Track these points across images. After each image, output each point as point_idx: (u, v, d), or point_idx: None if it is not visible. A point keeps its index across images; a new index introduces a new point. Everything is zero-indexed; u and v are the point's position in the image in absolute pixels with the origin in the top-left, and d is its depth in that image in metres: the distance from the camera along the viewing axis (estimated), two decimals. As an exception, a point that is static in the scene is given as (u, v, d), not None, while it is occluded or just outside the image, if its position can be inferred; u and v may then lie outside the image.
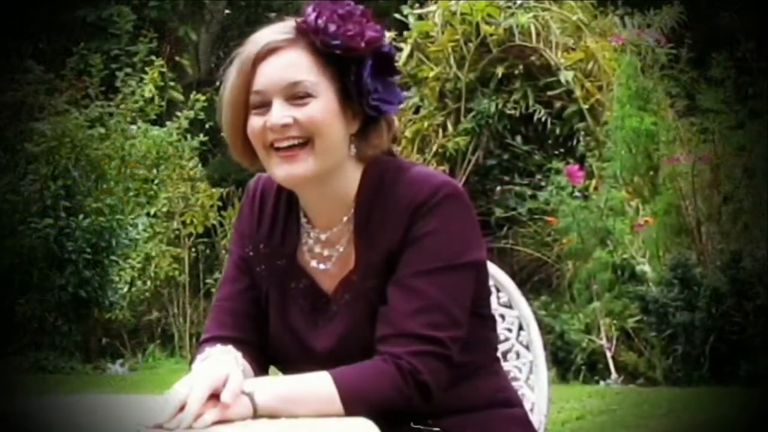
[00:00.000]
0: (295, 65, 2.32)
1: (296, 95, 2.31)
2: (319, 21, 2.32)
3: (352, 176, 2.39)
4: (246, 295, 2.45)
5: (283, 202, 2.47)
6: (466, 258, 2.32)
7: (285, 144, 2.31)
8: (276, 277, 2.40)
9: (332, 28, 2.32)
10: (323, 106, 2.32)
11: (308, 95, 2.31)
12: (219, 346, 2.26)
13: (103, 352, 9.44)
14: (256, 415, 2.11)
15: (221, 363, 2.19)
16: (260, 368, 2.39)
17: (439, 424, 2.32)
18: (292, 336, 2.38)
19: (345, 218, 2.38)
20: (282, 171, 2.32)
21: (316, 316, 2.37)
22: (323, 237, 2.40)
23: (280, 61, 2.32)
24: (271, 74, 2.32)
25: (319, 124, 2.31)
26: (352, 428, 2.09)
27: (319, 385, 2.21)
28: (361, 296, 2.33)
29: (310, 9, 2.35)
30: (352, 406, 2.19)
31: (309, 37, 2.33)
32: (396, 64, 2.41)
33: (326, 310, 2.37)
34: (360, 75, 2.34)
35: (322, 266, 2.39)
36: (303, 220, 2.42)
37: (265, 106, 2.32)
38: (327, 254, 2.40)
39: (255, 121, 2.33)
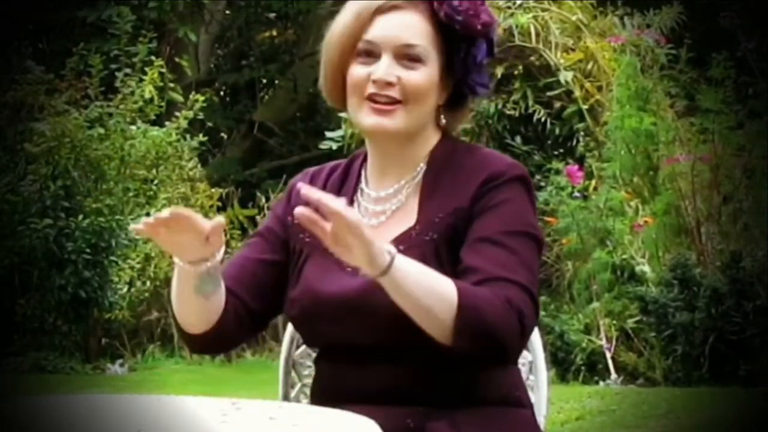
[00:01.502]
0: (413, 28, 2.36)
1: (407, 56, 2.36)
2: None
3: (427, 143, 2.44)
4: (260, 262, 2.49)
5: (334, 179, 2.51)
6: (537, 232, 2.37)
7: (382, 100, 2.36)
8: (318, 242, 2.37)
9: (456, 2, 2.35)
10: (428, 74, 2.37)
11: (418, 60, 2.36)
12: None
13: (102, 353, 9.43)
14: (389, 267, 2.15)
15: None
16: (241, 326, 2.44)
17: (451, 414, 2.32)
18: (329, 291, 2.38)
19: (404, 179, 2.43)
20: (371, 120, 2.37)
21: (355, 270, 2.35)
22: (382, 194, 2.44)
23: (400, 19, 2.36)
24: (388, 29, 2.36)
25: (420, 90, 2.37)
26: (353, 428, 2.09)
27: (445, 282, 2.22)
28: (415, 246, 2.35)
29: None
30: (465, 311, 2.21)
31: (431, 4, 2.36)
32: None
33: None
34: (469, 54, 2.39)
35: (374, 221, 2.41)
36: (362, 185, 2.47)
37: (371, 56, 2.36)
38: (380, 210, 2.43)
39: (358, 69, 2.38)
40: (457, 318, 2.21)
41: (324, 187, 2.49)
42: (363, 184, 2.48)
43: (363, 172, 2.49)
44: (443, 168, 2.41)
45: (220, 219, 2.29)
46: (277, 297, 2.48)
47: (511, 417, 2.40)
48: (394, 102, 2.36)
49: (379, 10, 2.37)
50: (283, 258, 2.49)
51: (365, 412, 2.21)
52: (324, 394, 2.40)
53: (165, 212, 2.22)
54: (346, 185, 2.50)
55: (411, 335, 2.28)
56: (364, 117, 2.39)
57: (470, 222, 2.35)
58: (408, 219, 2.41)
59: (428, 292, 2.21)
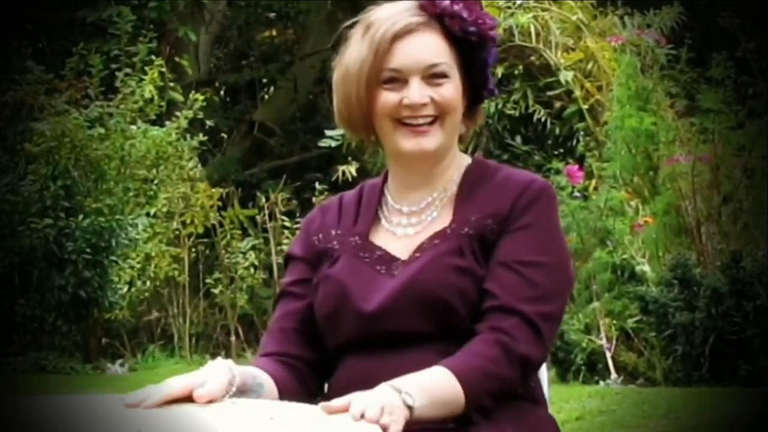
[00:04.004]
0: (433, 47, 2.42)
1: (433, 75, 2.42)
2: (456, 7, 2.42)
3: (454, 156, 2.52)
4: (299, 314, 2.51)
5: (348, 203, 2.56)
6: (563, 260, 2.44)
7: (418, 122, 2.41)
8: (349, 248, 2.48)
9: (467, 14, 2.43)
10: (455, 87, 2.44)
11: (444, 76, 2.42)
12: (219, 360, 2.31)
13: (103, 353, 9.44)
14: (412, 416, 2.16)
15: (205, 370, 2.23)
16: (306, 381, 2.45)
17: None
18: (362, 289, 2.42)
19: (437, 192, 2.48)
20: (410, 143, 2.43)
21: (390, 272, 2.43)
22: (414, 208, 2.49)
23: (419, 42, 2.42)
24: (411, 54, 2.41)
25: (452, 103, 2.43)
26: (354, 428, 2.09)
27: (447, 384, 2.27)
28: (450, 240, 2.41)
29: None
30: (472, 398, 2.29)
31: (442, 21, 2.43)
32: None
33: (401, 267, 2.43)
34: (485, 61, 2.47)
35: (410, 230, 2.47)
36: (386, 198, 2.52)
37: (398, 82, 2.41)
38: (415, 221, 2.48)
39: (388, 97, 2.42)
40: (468, 402, 2.29)
41: (339, 212, 2.55)
42: (388, 199, 2.53)
43: (385, 191, 2.54)
44: (477, 181, 2.48)
45: (208, 391, 2.20)
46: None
47: (536, 414, 2.46)
48: (431, 122, 2.42)
49: (396, 37, 2.41)
50: None
51: None
52: (349, 385, 2.39)
53: (156, 398, 2.15)
54: (363, 204, 2.54)
55: (443, 317, 2.37)
56: (401, 141, 2.44)
57: (505, 227, 2.42)
58: (443, 223, 2.47)
59: (442, 405, 2.26)
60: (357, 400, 2.10)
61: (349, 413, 2.07)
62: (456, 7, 2.42)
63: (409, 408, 2.16)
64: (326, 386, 2.53)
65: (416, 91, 2.40)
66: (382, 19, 2.43)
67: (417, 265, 2.41)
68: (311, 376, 2.48)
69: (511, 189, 2.44)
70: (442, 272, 2.39)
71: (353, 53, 2.44)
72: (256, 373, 2.37)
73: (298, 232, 2.64)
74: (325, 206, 2.60)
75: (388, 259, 2.45)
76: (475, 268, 2.40)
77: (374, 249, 2.47)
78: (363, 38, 2.43)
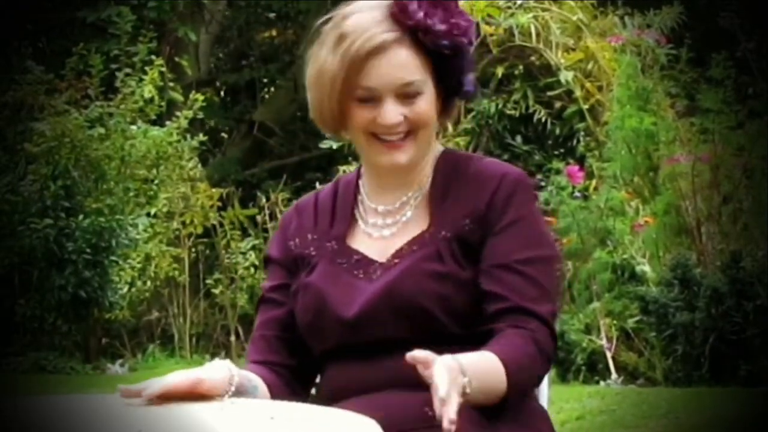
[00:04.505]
0: (407, 65, 2.38)
1: (407, 94, 2.38)
2: (429, 21, 2.37)
3: (430, 157, 2.50)
4: (279, 321, 2.51)
5: (324, 201, 2.54)
6: (554, 251, 2.46)
7: (392, 138, 2.40)
8: (326, 254, 2.46)
9: (440, 27, 2.38)
10: (429, 101, 2.41)
11: (418, 93, 2.39)
12: (216, 360, 2.31)
13: (103, 352, 9.44)
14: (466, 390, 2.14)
15: (206, 367, 2.24)
16: (292, 387, 2.45)
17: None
18: (343, 295, 2.42)
19: (411, 192, 2.47)
20: (384, 158, 2.42)
21: (368, 276, 2.42)
22: (390, 207, 2.47)
23: (393, 59, 2.37)
24: (385, 74, 2.37)
25: (426, 118, 2.41)
26: (354, 427, 2.09)
27: (497, 369, 2.26)
28: (429, 245, 2.40)
29: (415, 6, 2.38)
30: (514, 387, 2.29)
31: (416, 35, 2.38)
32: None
33: (379, 270, 2.42)
34: (461, 66, 2.43)
35: (385, 232, 2.45)
36: (361, 197, 2.50)
37: (373, 100, 2.38)
38: (391, 222, 2.47)
39: (362, 114, 2.40)
40: (506, 395, 2.29)
41: (315, 213, 2.53)
42: (364, 197, 2.51)
43: (360, 188, 2.52)
44: (450, 176, 2.46)
45: (202, 378, 2.21)
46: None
47: (528, 405, 2.44)
48: (404, 136, 2.41)
49: (370, 54, 2.36)
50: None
51: (379, 401, 2.27)
52: (334, 393, 2.41)
53: (156, 387, 2.16)
54: (339, 201, 2.52)
55: (424, 324, 2.37)
56: (376, 155, 2.43)
57: (486, 227, 2.41)
58: (419, 225, 2.45)
59: (485, 394, 2.25)
60: (442, 370, 2.09)
61: (434, 380, 2.08)
62: (429, 21, 2.37)
63: (464, 394, 2.15)
64: (313, 391, 2.55)
65: (390, 112, 2.38)
66: (356, 31, 2.37)
67: (396, 272, 2.40)
68: (296, 382, 2.48)
69: (485, 185, 2.42)
70: (421, 279, 2.38)
71: (326, 63, 2.40)
72: (251, 376, 2.38)
73: (275, 230, 2.62)
74: (301, 205, 2.57)
75: (366, 263, 2.44)
76: (456, 272, 2.39)
77: (351, 253, 2.45)
78: (335, 49, 2.38)
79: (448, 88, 2.45)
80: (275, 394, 2.41)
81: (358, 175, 2.54)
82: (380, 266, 2.43)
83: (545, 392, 2.62)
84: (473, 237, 2.40)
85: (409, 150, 2.41)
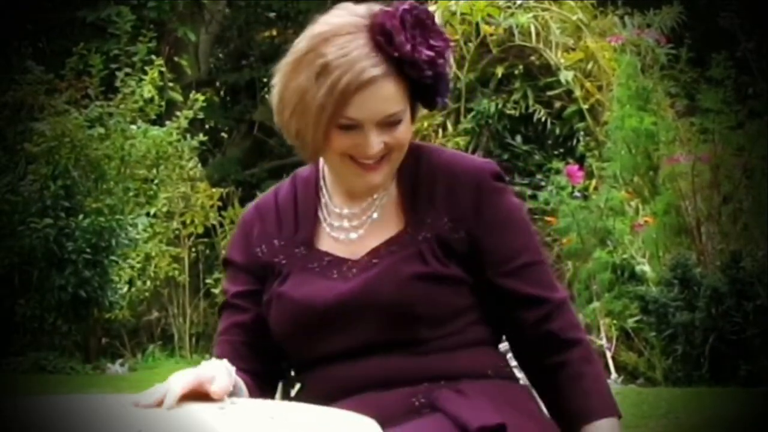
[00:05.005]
0: (392, 98, 2.38)
1: (389, 123, 2.38)
2: (416, 55, 2.36)
3: None
4: (245, 327, 2.49)
5: (283, 201, 2.51)
6: (535, 231, 2.55)
7: (369, 162, 2.40)
8: (297, 261, 2.45)
9: (425, 56, 2.37)
10: (407, 124, 2.41)
11: (399, 121, 2.39)
12: (214, 360, 2.29)
13: (103, 352, 9.44)
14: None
15: (208, 366, 2.23)
16: (259, 393, 2.43)
17: (456, 385, 2.37)
18: (322, 297, 2.41)
19: (375, 194, 2.46)
20: (360, 181, 2.41)
21: (343, 275, 2.42)
22: (356, 210, 2.47)
23: (378, 94, 2.35)
24: (370, 107, 2.35)
25: (404, 142, 2.42)
26: (353, 427, 2.09)
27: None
28: (411, 246, 2.41)
29: (402, 38, 2.35)
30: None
31: (402, 66, 2.36)
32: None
33: (354, 269, 2.42)
34: (438, 91, 2.42)
35: (353, 234, 2.45)
36: (325, 199, 2.49)
37: (355, 128, 2.36)
38: (357, 224, 2.46)
39: (343, 140, 2.38)
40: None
41: (277, 215, 2.50)
42: (327, 200, 2.50)
43: (323, 190, 2.51)
44: (415, 173, 2.47)
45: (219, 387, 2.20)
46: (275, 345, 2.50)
47: (512, 387, 2.46)
48: (381, 158, 2.40)
49: (359, 89, 2.33)
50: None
51: (369, 401, 2.28)
52: (321, 395, 2.40)
53: (172, 397, 2.15)
54: (300, 203, 2.51)
55: (407, 326, 2.37)
56: (351, 177, 2.42)
57: (470, 226, 2.42)
58: (392, 225, 2.45)
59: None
60: None
61: None
62: (416, 54, 2.34)
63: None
64: (293, 394, 2.54)
65: (373, 143, 2.37)
66: (343, 65, 2.33)
67: (375, 271, 2.40)
68: (261, 388, 2.46)
69: (460, 183, 2.44)
70: (403, 281, 2.38)
71: (309, 93, 2.35)
72: (237, 377, 2.37)
73: (234, 231, 2.58)
74: (262, 207, 2.54)
75: (338, 263, 2.43)
76: (440, 270, 2.40)
77: (322, 256, 2.45)
78: (320, 79, 2.33)
79: (424, 104, 2.45)
80: (253, 397, 2.40)
81: (318, 175, 2.53)
82: (355, 264, 2.42)
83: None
84: (455, 236, 2.42)
85: (383, 171, 2.41)
